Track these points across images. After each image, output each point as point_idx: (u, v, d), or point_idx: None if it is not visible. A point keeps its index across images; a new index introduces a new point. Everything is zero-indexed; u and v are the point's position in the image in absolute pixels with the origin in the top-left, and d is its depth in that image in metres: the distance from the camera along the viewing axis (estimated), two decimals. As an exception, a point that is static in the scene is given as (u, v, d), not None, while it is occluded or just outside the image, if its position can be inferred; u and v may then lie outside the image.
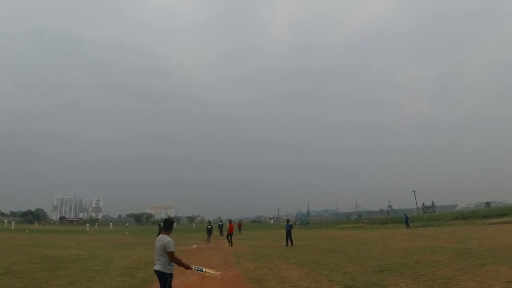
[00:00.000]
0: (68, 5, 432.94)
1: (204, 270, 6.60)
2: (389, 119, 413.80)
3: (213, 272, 6.46)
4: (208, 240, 28.72)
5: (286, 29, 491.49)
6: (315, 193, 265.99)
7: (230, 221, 31.53)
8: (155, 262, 6.35)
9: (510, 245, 15.37)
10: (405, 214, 46.37)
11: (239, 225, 52.99)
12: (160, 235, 6.54)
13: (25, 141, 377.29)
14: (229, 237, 25.80)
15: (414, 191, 77.30)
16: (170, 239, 6.39)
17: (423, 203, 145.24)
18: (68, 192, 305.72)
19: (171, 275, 6.35)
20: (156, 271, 6.32)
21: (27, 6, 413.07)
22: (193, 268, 6.54)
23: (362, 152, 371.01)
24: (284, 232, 24.73)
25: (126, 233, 55.54)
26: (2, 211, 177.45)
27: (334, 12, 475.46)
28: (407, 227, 40.93)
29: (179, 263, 6.34)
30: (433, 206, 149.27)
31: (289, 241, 22.72)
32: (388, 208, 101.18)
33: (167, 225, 6.63)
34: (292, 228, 23.95)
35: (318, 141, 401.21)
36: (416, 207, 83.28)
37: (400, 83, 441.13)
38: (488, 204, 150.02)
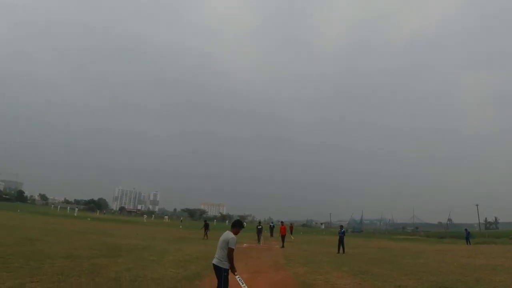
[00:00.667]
0: (128, 6, 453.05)
1: (243, 285, 6.79)
2: (454, 125, 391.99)
3: None
4: (258, 240, 28.96)
5: (341, 29, 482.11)
6: (370, 200, 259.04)
7: (282, 223, 31.51)
8: (215, 256, 6.64)
9: None
10: (466, 229, 43.92)
11: (291, 227, 52.74)
12: (227, 231, 6.86)
13: (92, 136, 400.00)
14: (282, 239, 25.93)
15: (477, 205, 73.09)
16: (235, 236, 6.68)
17: (486, 218, 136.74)
18: (129, 184, 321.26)
19: (226, 271, 6.56)
20: (214, 265, 6.62)
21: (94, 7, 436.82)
22: (237, 276, 6.76)
23: (423, 160, 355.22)
24: (336, 239, 24.31)
25: (180, 227, 57.22)
26: (67, 198, 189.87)
27: (393, 12, 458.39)
28: (467, 243, 38.79)
29: (231, 262, 6.57)
30: (496, 222, 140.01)
31: (341, 248, 22.30)
32: (448, 222, 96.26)
33: (236, 225, 7.01)
34: (344, 235, 23.49)
35: (376, 145, 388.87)
36: (478, 222, 78.66)
37: (464, 87, 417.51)
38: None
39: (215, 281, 6.75)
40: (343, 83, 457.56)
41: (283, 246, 25.09)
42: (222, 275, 6.53)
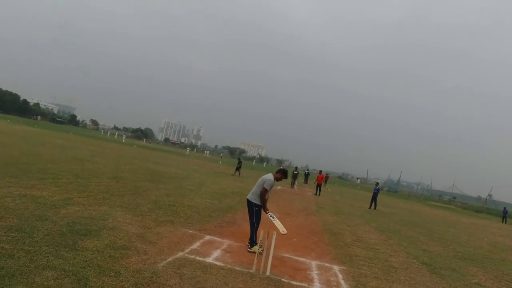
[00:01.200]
0: None
1: (275, 219, 7.01)
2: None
3: (281, 227, 6.85)
4: (292, 185, 29.58)
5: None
6: (411, 162, 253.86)
7: (320, 171, 31.78)
8: (251, 191, 7.22)
9: None
10: (504, 208, 42.57)
11: (327, 177, 53.06)
12: (269, 174, 7.25)
13: (144, 66, 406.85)
14: (318, 187, 26.32)
15: (523, 185, 70.04)
16: (273, 178, 7.06)
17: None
18: (175, 117, 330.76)
19: (257, 206, 7.03)
20: (247, 200, 7.15)
21: None
22: (268, 214, 7.08)
23: (476, 127, 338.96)
24: (370, 194, 24.43)
25: (220, 162, 58.94)
26: (116, 125, 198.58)
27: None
28: (503, 222, 37.80)
29: (263, 200, 7.00)
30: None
31: (373, 204, 22.46)
32: (488, 197, 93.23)
33: (280, 171, 7.24)
34: (379, 192, 23.52)
35: (431, 104, 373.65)
36: (520, 202, 75.79)
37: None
38: None
39: (246, 215, 7.21)
40: (405, 34, 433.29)
41: (317, 194, 25.49)
42: (253, 209, 7.03)
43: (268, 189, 6.95)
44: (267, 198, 7.19)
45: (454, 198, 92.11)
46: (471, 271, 8.78)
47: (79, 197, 8.68)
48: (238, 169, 31.01)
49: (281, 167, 7.70)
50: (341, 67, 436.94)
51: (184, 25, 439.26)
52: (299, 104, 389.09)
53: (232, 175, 29.84)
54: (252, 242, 6.97)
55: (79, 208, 7.52)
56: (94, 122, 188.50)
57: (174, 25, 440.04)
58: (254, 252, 6.37)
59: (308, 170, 53.40)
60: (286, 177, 7.49)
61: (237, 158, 39.68)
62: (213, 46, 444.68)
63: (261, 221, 7.14)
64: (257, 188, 7.05)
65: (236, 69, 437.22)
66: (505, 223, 37.27)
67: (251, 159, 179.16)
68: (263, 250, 5.93)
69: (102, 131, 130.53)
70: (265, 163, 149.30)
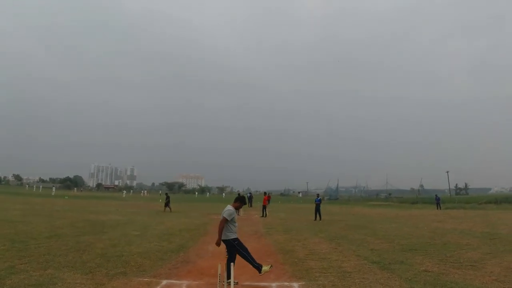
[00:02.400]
0: None
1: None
2: (426, 93, 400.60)
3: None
4: (237, 211, 29.59)
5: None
6: (345, 169, 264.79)
7: (265, 193, 32.12)
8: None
9: (542, 232, 15.22)
10: (436, 195, 45.78)
11: (269, 197, 53.79)
12: (228, 205, 7.33)
13: (64, 111, 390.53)
14: (264, 209, 26.56)
15: (447, 172, 75.87)
16: (232, 208, 7.12)
17: (456, 184, 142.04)
18: (104, 160, 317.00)
19: (235, 239, 7.07)
20: (223, 241, 7.03)
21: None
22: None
23: (395, 127, 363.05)
24: (313, 206, 25.15)
25: (160, 200, 57.26)
26: (42, 177, 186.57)
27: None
28: (437, 208, 40.56)
29: (219, 231, 6.94)
30: (466, 188, 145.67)
31: (317, 215, 23.15)
32: (420, 188, 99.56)
33: (238, 199, 7.51)
34: (321, 202, 24.31)
35: (350, 114, 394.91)
36: (448, 188, 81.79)
37: (440, 56, 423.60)
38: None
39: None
40: (321, 52, 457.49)
41: (264, 216, 25.72)
42: (234, 246, 7.05)
43: (228, 218, 6.94)
44: (236, 229, 7.20)
45: (390, 194, 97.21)
46: (417, 260, 9.40)
47: (21, 264, 8.16)
48: (167, 204, 30.21)
49: (238, 195, 7.81)
50: (267, 88, 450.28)
51: (106, 64, 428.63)
52: (233, 130, 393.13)
53: (163, 211, 29.03)
54: (258, 267, 7.09)
55: (24, 276, 7.06)
56: (17, 177, 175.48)
57: (94, 65, 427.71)
58: (268, 271, 6.97)
59: (250, 192, 53.78)
60: (245, 203, 7.61)
61: (164, 193, 38.57)
62: (138, 82, 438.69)
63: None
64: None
65: (163, 102, 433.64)
66: (440, 209, 40.00)
67: (191, 191, 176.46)
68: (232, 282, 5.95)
69: (27, 185, 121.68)
70: (207, 193, 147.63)
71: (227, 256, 7.05)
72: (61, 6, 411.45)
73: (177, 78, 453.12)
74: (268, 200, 50.10)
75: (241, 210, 29.63)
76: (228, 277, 6.47)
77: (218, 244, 6.98)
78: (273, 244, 12.50)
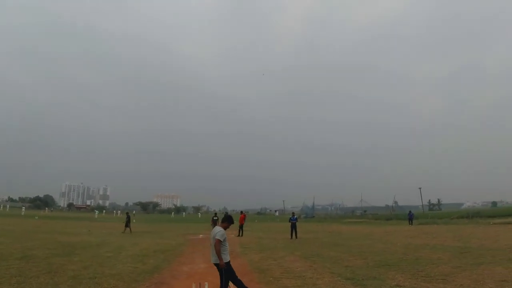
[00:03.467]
0: None
1: None
2: (398, 117, 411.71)
3: None
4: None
5: (298, 22, 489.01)
6: (321, 187, 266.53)
7: (241, 212, 31.98)
8: (211, 254, 6.86)
9: (510, 246, 15.65)
10: (410, 211, 46.65)
11: (244, 216, 53.82)
12: (216, 226, 7.07)
13: (35, 131, 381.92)
14: (240, 228, 26.43)
15: (420, 188, 77.33)
16: (222, 229, 6.83)
17: (429, 200, 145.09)
18: (76, 179, 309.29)
19: (227, 263, 6.78)
20: (215, 264, 6.83)
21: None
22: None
23: (369, 149, 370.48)
24: (289, 225, 25.20)
25: (134, 221, 56.18)
26: (11, 197, 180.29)
27: (345, 6, 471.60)
28: (410, 224, 41.25)
29: (219, 253, 6.67)
30: (439, 203, 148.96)
31: (293, 234, 23.21)
32: (394, 204, 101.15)
33: (226, 219, 7.18)
34: (297, 221, 24.40)
35: (324, 139, 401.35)
36: (421, 204, 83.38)
37: (410, 81, 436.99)
38: (494, 203, 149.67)
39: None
40: (297, 79, 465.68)
41: (240, 235, 25.62)
42: (223, 269, 6.75)
43: (221, 239, 6.69)
44: (228, 250, 6.97)
45: (365, 211, 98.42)
46: (390, 275, 9.57)
47: (-10, 287, 7.92)
48: (127, 224, 29.43)
49: (226, 214, 7.59)
50: (243, 113, 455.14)
51: (78, 84, 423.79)
52: (207, 155, 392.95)
53: (122, 232, 28.18)
54: None
55: (-8, 300, 6.87)
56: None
57: (65, 84, 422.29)
58: None
59: (227, 212, 53.56)
60: (232, 222, 7.36)
61: (125, 213, 37.66)
62: (108, 100, 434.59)
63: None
64: (212, 247, 6.84)
65: (136, 120, 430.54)
66: (412, 224, 40.69)
67: (167, 211, 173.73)
68: None
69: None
70: (183, 213, 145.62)
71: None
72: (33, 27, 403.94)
73: (153, 98, 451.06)
74: (244, 219, 50.05)
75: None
76: None
77: (222, 266, 6.69)
78: (248, 263, 12.48)
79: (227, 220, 7.17)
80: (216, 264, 6.80)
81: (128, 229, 28.95)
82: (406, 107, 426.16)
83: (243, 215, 28.59)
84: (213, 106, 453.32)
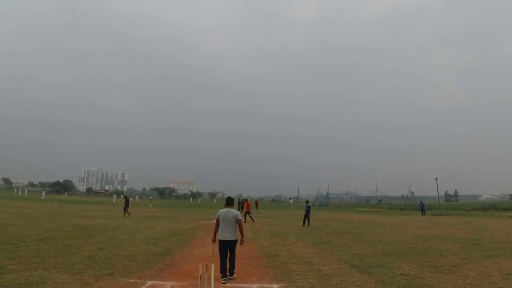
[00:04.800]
0: None
1: None
2: (417, 105, 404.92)
3: None
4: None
5: (315, 2, 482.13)
6: (336, 175, 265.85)
7: (246, 200, 32.36)
8: (223, 232, 7.96)
9: (522, 239, 15.62)
10: (421, 202, 46.28)
11: (256, 202, 54.73)
12: (226, 209, 8.17)
13: (53, 113, 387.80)
14: (246, 215, 26.72)
15: (436, 179, 76.34)
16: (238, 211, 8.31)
17: (446, 191, 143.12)
18: (94, 165, 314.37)
19: (236, 240, 8.03)
20: (228, 241, 7.95)
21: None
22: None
23: (386, 134, 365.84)
24: (302, 212, 25.38)
25: (150, 206, 57.35)
26: (32, 181, 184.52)
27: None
28: (422, 215, 40.96)
29: (242, 230, 8.11)
30: (456, 195, 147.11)
31: (306, 221, 23.42)
32: (409, 195, 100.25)
33: (230, 202, 8.44)
34: (310, 209, 24.55)
35: (343, 119, 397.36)
36: (437, 195, 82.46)
37: (431, 64, 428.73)
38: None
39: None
40: (312, 57, 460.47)
41: (247, 221, 25.95)
42: (235, 246, 8.04)
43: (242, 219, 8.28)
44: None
45: (380, 201, 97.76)
46: (397, 264, 9.72)
47: (11, 264, 8.40)
48: (125, 208, 29.40)
49: (228, 197, 8.77)
50: (258, 93, 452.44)
51: (94, 65, 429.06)
52: (223, 134, 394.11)
53: (123, 216, 28.23)
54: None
55: (14, 276, 7.31)
56: (7, 181, 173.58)
57: (81, 65, 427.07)
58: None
59: (241, 198, 54.14)
60: (233, 201, 8.68)
61: (123, 197, 37.71)
62: (125, 84, 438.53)
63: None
64: (232, 225, 7.98)
65: (153, 105, 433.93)
66: (425, 215, 40.43)
67: (183, 197, 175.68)
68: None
69: (16, 189, 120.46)
70: (199, 198, 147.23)
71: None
72: (49, 7, 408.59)
73: (168, 81, 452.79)
74: (256, 205, 50.61)
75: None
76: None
77: (242, 242, 8.02)
78: (258, 249, 12.75)
79: (231, 203, 8.42)
80: (227, 241, 7.89)
81: (126, 213, 28.96)
82: (426, 89, 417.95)
83: (249, 203, 28.92)
84: (229, 86, 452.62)
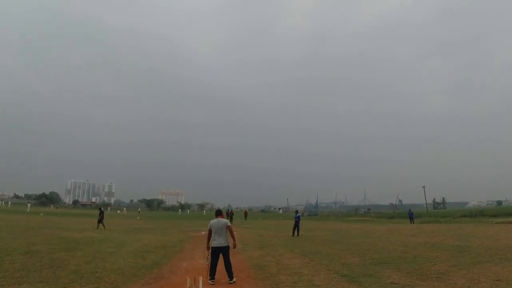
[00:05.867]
0: None
1: None
2: (404, 111, 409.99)
3: None
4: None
5: (304, 16, 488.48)
6: (324, 184, 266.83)
7: (220, 211, 32.39)
8: (216, 239, 8.73)
9: (510, 245, 15.67)
10: (409, 210, 46.59)
11: (245, 213, 54.72)
12: (217, 219, 8.98)
13: (40, 124, 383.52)
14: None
15: (423, 187, 77.02)
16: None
17: (434, 199, 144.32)
18: (81, 176, 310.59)
19: (228, 246, 8.82)
20: (220, 247, 8.68)
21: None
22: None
23: (374, 144, 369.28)
24: (292, 223, 25.35)
25: (138, 218, 56.72)
26: (17, 193, 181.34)
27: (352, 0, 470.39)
28: (411, 223, 41.16)
29: (233, 234, 8.95)
30: (443, 202, 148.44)
31: (295, 231, 23.33)
32: (397, 203, 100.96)
33: (220, 213, 9.33)
34: (299, 219, 24.49)
35: (329, 130, 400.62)
36: (425, 203, 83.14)
37: (417, 75, 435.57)
38: (499, 202, 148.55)
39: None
40: (301, 69, 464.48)
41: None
42: (228, 251, 8.79)
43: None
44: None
45: (369, 209, 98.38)
46: (386, 273, 9.71)
47: (-4, 279, 8.19)
48: (100, 221, 28.14)
49: (218, 209, 9.78)
50: (248, 105, 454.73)
51: (82, 77, 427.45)
52: (214, 147, 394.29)
53: (96, 229, 26.98)
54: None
55: (-2, 290, 7.12)
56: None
57: (72, 78, 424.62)
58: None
59: (229, 209, 54.01)
60: (221, 213, 9.52)
61: (98, 208, 36.91)
62: (114, 96, 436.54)
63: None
64: (224, 233, 8.79)
65: (141, 118, 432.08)
66: (413, 223, 40.63)
67: (171, 208, 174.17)
68: None
69: (2, 202, 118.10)
70: (187, 210, 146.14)
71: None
72: (41, 20, 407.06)
73: (157, 93, 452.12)
74: (245, 216, 50.47)
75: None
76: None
77: (235, 245, 9.00)
78: (247, 260, 12.65)
79: (221, 213, 9.33)
80: (220, 248, 8.64)
81: (101, 225, 27.85)
82: (413, 100, 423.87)
83: (223, 214, 28.83)
84: (219, 99, 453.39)
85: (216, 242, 8.69)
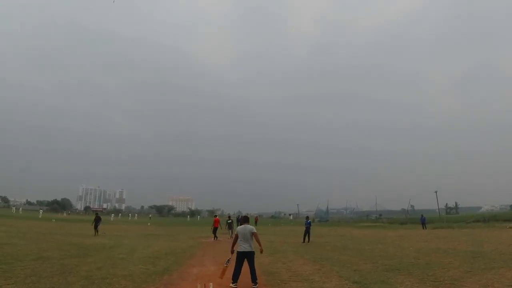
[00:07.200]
0: (98, 2, 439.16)
1: None
2: (414, 117, 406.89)
3: None
4: (230, 234, 28.27)
5: (312, 25, 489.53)
6: (335, 190, 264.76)
7: (215, 215, 32.26)
8: (242, 245, 9.10)
9: (524, 250, 15.45)
10: (422, 215, 46.02)
11: (256, 219, 54.68)
12: (243, 225, 9.42)
13: (52, 135, 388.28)
14: (214, 233, 26.85)
15: (436, 192, 76.07)
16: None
17: (446, 204, 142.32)
18: (92, 182, 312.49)
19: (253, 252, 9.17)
20: (246, 252, 9.04)
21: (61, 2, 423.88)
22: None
23: (386, 151, 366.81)
24: (302, 229, 25.17)
25: (149, 224, 56.94)
26: (29, 200, 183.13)
27: (358, 7, 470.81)
28: (423, 228, 40.69)
29: (259, 241, 9.24)
30: (456, 207, 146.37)
31: (306, 237, 23.19)
32: (409, 208, 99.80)
33: (246, 220, 9.76)
34: (310, 225, 24.35)
35: (340, 140, 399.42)
36: (437, 208, 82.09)
37: (424, 81, 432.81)
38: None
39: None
40: (313, 79, 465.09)
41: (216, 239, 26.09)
42: (253, 257, 9.15)
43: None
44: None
45: (380, 215, 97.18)
46: (399, 279, 9.57)
47: (7, 284, 8.30)
48: (96, 227, 27.59)
49: (244, 216, 10.37)
50: (258, 114, 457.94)
51: (97, 84, 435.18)
52: (223, 156, 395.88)
53: (94, 235, 26.30)
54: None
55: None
56: (4, 199, 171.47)
57: (84, 84, 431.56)
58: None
59: (239, 215, 54.02)
60: (248, 219, 9.99)
61: (94, 213, 36.52)
62: (127, 106, 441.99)
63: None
64: (250, 239, 9.14)
65: (154, 127, 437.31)
66: (425, 228, 40.14)
67: (181, 214, 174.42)
68: None
69: (14, 208, 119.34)
70: (198, 216, 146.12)
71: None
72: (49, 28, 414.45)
73: (167, 103, 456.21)
74: (256, 222, 50.34)
75: (231, 232, 29.09)
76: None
77: (262, 250, 9.44)
78: (258, 267, 12.50)
79: (247, 220, 9.74)
80: (245, 253, 8.99)
81: (96, 231, 27.35)
82: (423, 106, 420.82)
83: (217, 219, 28.55)
84: (227, 109, 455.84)
85: (242, 247, 9.04)
